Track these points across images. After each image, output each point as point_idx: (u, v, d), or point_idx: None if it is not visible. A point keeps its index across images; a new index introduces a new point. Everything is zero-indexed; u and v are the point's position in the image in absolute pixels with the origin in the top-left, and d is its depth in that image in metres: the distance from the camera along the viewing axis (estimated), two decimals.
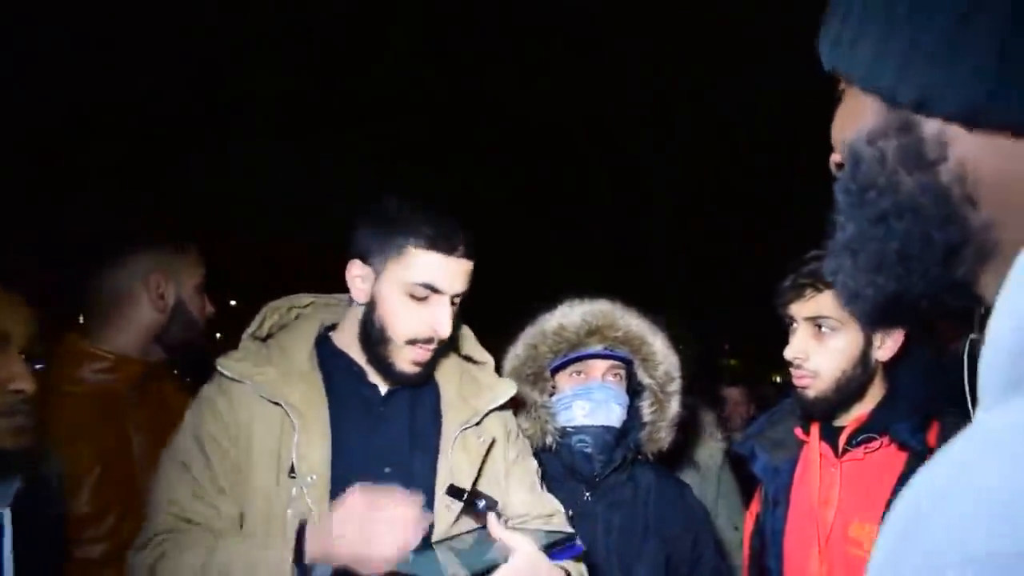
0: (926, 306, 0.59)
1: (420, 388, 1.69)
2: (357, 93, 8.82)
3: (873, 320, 0.63)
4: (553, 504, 1.75)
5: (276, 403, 1.53)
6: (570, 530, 1.58)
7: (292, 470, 1.48)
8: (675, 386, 1.99)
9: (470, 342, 1.84)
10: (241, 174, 10.06)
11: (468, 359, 1.82)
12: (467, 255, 1.58)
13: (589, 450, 1.89)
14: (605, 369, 1.96)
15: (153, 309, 2.10)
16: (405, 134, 8.87)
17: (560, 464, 1.94)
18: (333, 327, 1.73)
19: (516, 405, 1.89)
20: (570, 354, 1.95)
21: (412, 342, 1.57)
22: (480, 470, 1.65)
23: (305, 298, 1.79)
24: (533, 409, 1.93)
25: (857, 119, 0.59)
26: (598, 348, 1.95)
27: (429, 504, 1.57)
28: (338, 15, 7.64)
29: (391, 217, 1.58)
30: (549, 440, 1.93)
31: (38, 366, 1.86)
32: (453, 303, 1.59)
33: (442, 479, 1.59)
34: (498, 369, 1.91)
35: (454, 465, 1.61)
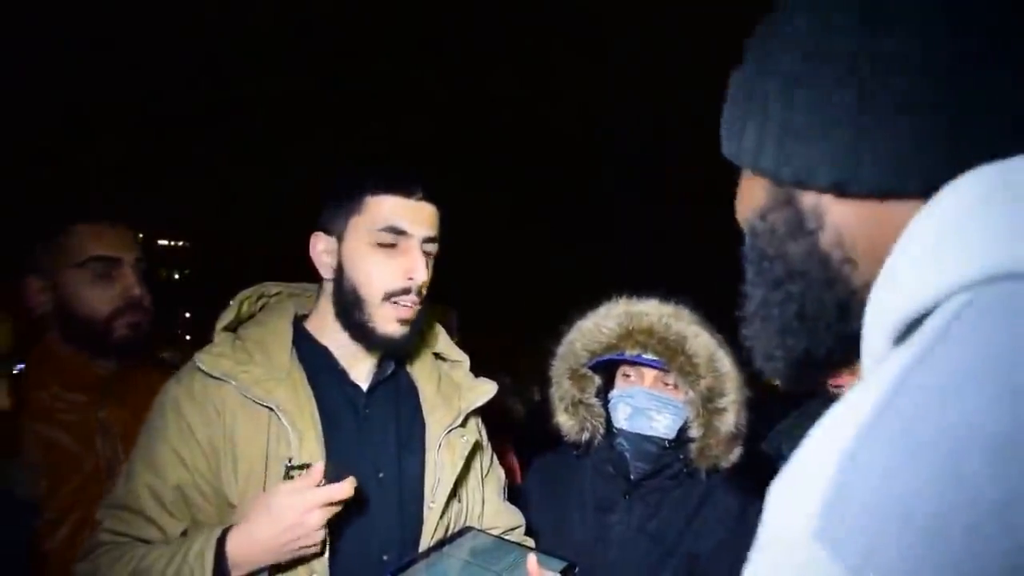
0: (835, 359, 0.64)
1: (399, 386, 1.65)
2: (357, 93, 8.82)
3: (790, 378, 0.68)
4: (519, 517, 1.76)
5: (265, 406, 1.44)
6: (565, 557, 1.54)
7: (288, 476, 1.41)
8: (725, 402, 1.76)
9: (443, 340, 1.78)
10: (241, 174, 10.05)
11: (440, 357, 1.77)
12: (429, 199, 1.51)
13: (628, 454, 1.82)
14: (655, 374, 1.82)
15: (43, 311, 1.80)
16: (405, 134, 8.86)
17: (604, 458, 1.87)
18: (305, 317, 1.63)
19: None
20: (604, 356, 1.83)
21: (388, 297, 1.48)
22: (464, 470, 1.64)
23: (273, 287, 1.70)
24: (571, 405, 1.86)
25: (752, 199, 0.66)
26: (632, 353, 1.80)
27: (418, 506, 1.57)
28: (338, 15, 7.64)
29: (345, 179, 1.54)
30: (587, 436, 1.85)
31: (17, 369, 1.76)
32: (425, 253, 1.51)
33: (430, 482, 1.58)
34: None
35: (439, 465, 1.59)
